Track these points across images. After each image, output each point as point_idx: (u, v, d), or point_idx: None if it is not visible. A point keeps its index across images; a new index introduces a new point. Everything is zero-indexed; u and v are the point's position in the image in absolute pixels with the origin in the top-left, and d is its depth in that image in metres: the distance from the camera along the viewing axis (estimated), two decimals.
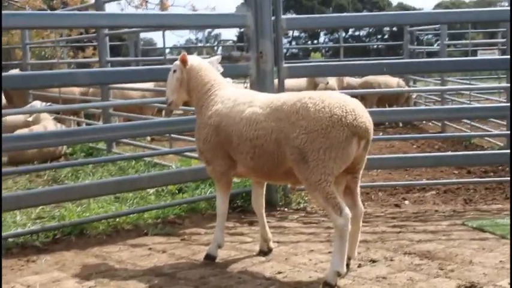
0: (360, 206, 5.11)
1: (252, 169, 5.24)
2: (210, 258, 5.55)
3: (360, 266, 5.34)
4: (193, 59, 5.77)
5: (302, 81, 14.17)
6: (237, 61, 7.38)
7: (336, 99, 4.79)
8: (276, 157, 4.95)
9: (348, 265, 4.97)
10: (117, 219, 6.76)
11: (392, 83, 16.78)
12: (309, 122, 4.71)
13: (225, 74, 8.66)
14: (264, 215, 5.76)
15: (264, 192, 5.78)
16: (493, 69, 13.08)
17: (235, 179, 7.95)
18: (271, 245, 5.78)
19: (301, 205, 7.64)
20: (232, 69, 7.60)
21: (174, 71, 5.71)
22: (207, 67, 5.71)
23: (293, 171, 4.90)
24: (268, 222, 6.82)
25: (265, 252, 5.72)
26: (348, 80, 16.86)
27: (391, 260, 5.48)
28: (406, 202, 8.04)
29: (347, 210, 4.70)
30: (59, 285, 5.10)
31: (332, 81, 15.48)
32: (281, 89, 7.46)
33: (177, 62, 5.71)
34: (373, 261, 5.47)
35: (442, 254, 5.59)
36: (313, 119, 4.70)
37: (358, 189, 5.11)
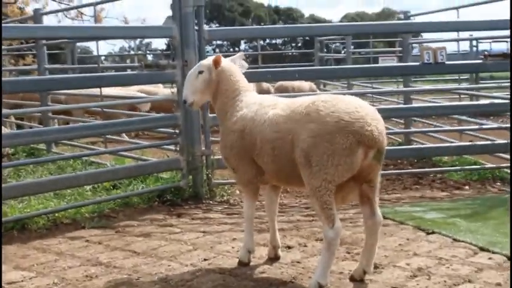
0: (378, 215, 4.45)
1: (274, 174, 4.67)
2: (242, 264, 4.98)
3: None
4: (224, 61, 5.10)
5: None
6: (164, 69, 7.31)
7: (346, 104, 4.22)
8: (292, 159, 4.39)
9: (362, 280, 4.55)
10: (56, 214, 6.61)
11: (305, 86, 16.92)
12: (316, 125, 4.18)
13: (153, 81, 8.67)
14: (276, 221, 5.16)
15: (278, 199, 5.18)
16: (392, 75, 13.28)
17: (164, 175, 7.98)
18: (279, 252, 5.18)
19: (225, 197, 7.62)
20: (160, 77, 7.58)
21: (200, 72, 5.02)
22: (237, 71, 5.13)
23: None
24: (194, 214, 6.88)
25: (272, 258, 5.13)
26: (263, 84, 16.85)
27: (305, 246, 5.53)
28: None
29: (338, 224, 4.22)
30: (2, 276, 4.95)
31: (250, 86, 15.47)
32: None
33: (205, 63, 5.05)
34: (289, 247, 5.51)
35: (349, 239, 5.66)
36: (321, 122, 4.16)
37: (377, 199, 4.47)
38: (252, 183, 4.88)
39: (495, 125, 10.32)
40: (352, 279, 4.57)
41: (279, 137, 4.46)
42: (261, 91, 15.58)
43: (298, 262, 5.08)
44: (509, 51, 7.88)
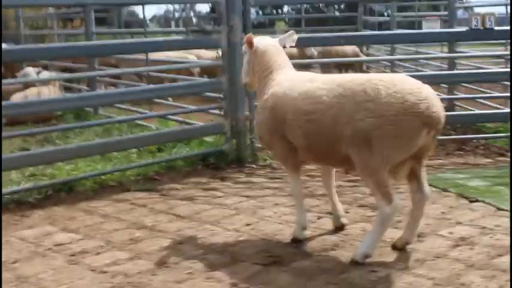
0: (425, 190, 4.30)
1: (306, 150, 4.45)
2: (296, 241, 4.73)
3: (319, 217, 5.32)
4: (259, 41, 4.88)
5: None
6: (210, 34, 7.25)
7: (408, 84, 4.02)
8: (331, 138, 4.18)
9: (404, 249, 4.45)
10: (103, 177, 6.65)
11: (348, 50, 16.60)
12: (378, 105, 3.94)
13: (199, 46, 8.60)
14: (334, 193, 4.99)
15: (333, 172, 4.94)
16: (438, 41, 12.91)
17: (208, 138, 7.95)
18: (344, 221, 5.01)
19: (268, 161, 7.54)
20: (205, 42, 7.52)
21: (244, 53, 4.96)
22: (272, 49, 4.85)
23: (349, 158, 4.15)
24: (237, 177, 6.85)
25: (339, 228, 4.97)
26: (307, 49, 16.48)
27: (347, 212, 5.40)
28: None
29: (397, 202, 4.10)
30: (51, 238, 5.00)
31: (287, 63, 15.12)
32: None
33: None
34: (331, 213, 5.40)
35: None
36: (384, 103, 3.92)
37: (424, 173, 4.32)
38: (289, 158, 4.63)
39: None
40: (394, 247, 4.49)
41: (317, 110, 4.22)
42: (304, 56, 15.36)
43: (340, 229, 5.01)
44: None
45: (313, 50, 16.08)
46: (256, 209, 5.64)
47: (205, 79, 8.61)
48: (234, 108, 7.40)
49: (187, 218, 5.44)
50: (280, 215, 5.43)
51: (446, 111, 4.41)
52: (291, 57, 5.27)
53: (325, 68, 13.95)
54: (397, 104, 3.91)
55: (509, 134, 8.31)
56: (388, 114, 3.92)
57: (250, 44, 4.84)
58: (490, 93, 10.06)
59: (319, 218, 5.32)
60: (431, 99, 4.00)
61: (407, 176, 4.31)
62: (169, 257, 4.49)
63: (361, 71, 15.15)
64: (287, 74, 4.76)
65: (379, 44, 14.89)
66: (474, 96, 9.90)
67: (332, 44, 11.51)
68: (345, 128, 4.08)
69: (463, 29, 7.84)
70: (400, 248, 4.46)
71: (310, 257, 4.43)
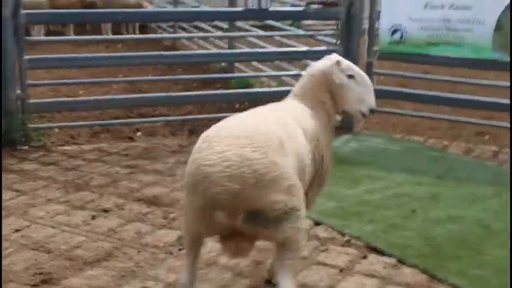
0: (279, 283, 3.23)
1: None
2: None
3: (93, 217, 5.18)
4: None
5: None
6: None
7: (207, 151, 3.03)
8: None
9: None
10: None
11: (131, 1, 15.91)
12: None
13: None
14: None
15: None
16: (218, 20, 12.68)
17: None
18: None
19: (42, 142, 7.24)
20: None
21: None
22: None
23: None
24: (9, 164, 6.47)
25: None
26: None
27: (122, 209, 5.35)
28: (139, 134, 7.89)
29: (182, 276, 3.47)
30: None
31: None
32: None
33: None
34: (106, 211, 5.31)
35: (167, 200, 5.56)
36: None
37: (285, 263, 3.23)
38: None
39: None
40: None
41: None
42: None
43: (114, 232, 4.92)
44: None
45: None
46: (27, 208, 5.34)
47: None
48: (4, 87, 6.94)
49: None
50: (53, 215, 5.21)
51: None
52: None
53: None
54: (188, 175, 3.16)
55: None
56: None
57: None
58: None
59: (93, 217, 5.18)
60: (215, 175, 2.95)
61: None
62: None
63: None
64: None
65: (161, 22, 14.56)
66: (250, 75, 10.04)
67: None
68: None
69: (240, 9, 8.01)
70: None
71: (82, 271, 4.27)
